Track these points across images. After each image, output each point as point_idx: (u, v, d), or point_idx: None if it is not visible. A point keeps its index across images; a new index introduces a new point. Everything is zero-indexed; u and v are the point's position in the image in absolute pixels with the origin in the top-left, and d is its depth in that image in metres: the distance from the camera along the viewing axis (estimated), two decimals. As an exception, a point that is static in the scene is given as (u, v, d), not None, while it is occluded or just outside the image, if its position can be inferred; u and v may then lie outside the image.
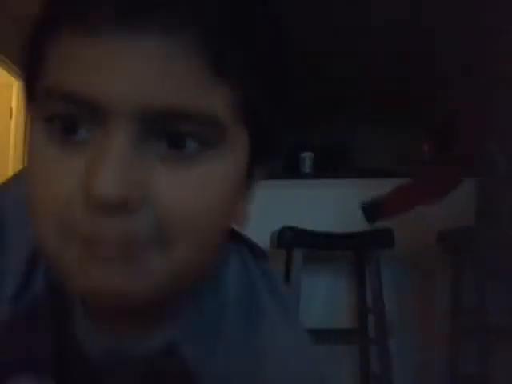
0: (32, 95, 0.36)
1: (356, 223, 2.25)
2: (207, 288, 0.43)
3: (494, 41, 3.37)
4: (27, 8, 3.44)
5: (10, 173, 3.71)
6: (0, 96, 3.78)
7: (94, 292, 0.34)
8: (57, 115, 0.33)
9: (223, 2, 0.33)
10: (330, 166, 4.42)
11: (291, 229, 2.12)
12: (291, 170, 4.40)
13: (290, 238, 2.11)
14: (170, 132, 0.32)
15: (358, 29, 3.74)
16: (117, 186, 0.30)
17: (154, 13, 0.30)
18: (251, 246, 0.49)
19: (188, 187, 0.33)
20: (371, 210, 2.01)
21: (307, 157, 2.71)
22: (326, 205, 2.45)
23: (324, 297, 2.43)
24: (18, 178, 0.49)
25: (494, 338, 2.04)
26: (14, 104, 3.81)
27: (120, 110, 0.31)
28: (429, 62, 4.15)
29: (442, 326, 2.19)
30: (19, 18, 3.57)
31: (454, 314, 2.15)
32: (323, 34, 3.81)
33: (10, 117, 3.80)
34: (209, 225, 0.35)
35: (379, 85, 4.76)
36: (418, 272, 2.40)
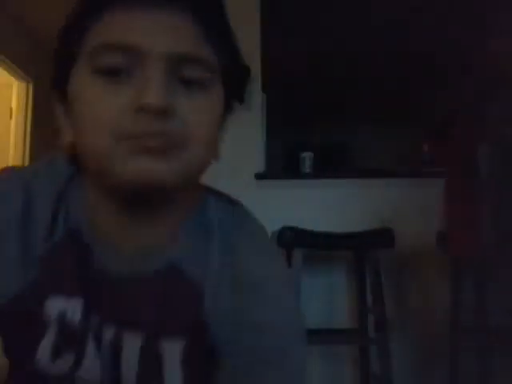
0: (72, 57, 0.53)
1: (356, 223, 2.25)
2: (195, 218, 0.60)
3: (493, 41, 3.37)
4: (27, 8, 3.44)
5: (10, 173, 3.71)
6: (0, 96, 3.79)
7: (138, 177, 0.49)
8: (107, 64, 0.50)
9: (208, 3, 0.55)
10: (330, 166, 4.42)
11: (291, 229, 2.13)
12: (291, 170, 4.40)
13: (290, 238, 2.11)
14: (183, 74, 0.51)
15: (358, 29, 3.74)
16: (162, 98, 0.48)
17: (172, 1, 0.52)
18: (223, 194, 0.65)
19: (199, 109, 0.52)
20: None
21: (307, 157, 2.71)
22: (326, 205, 2.45)
23: (324, 297, 2.43)
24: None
25: (494, 338, 2.03)
26: (13, 104, 3.81)
27: (157, 55, 0.49)
28: (429, 62, 4.15)
29: (442, 326, 2.19)
30: (19, 18, 3.57)
31: (453, 314, 2.15)
32: (323, 34, 3.80)
33: (10, 117, 3.80)
34: (208, 138, 0.53)
35: (379, 85, 4.76)
36: (418, 272, 2.40)
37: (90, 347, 0.56)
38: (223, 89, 0.56)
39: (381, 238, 2.08)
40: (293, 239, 2.12)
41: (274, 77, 2.83)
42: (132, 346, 0.56)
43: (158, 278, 0.57)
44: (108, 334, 0.56)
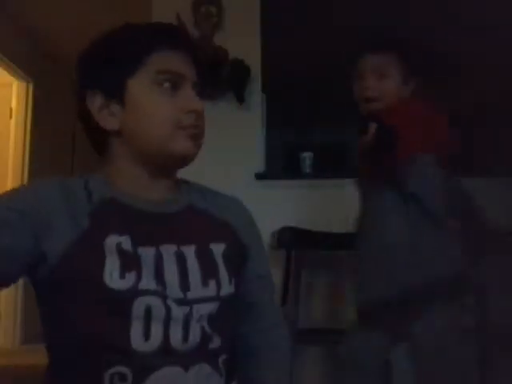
0: (131, 71, 0.82)
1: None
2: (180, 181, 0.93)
3: (493, 41, 3.38)
4: (27, 8, 3.43)
5: (10, 172, 3.71)
6: (0, 96, 3.79)
7: (188, 152, 0.84)
8: (164, 81, 0.82)
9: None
10: (330, 166, 4.41)
11: (291, 229, 2.13)
12: (291, 170, 4.39)
13: (290, 238, 2.11)
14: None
15: (357, 29, 3.74)
16: (201, 106, 0.85)
17: (182, 44, 0.87)
18: None
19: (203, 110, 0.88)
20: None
21: (307, 157, 2.71)
22: (326, 205, 2.44)
23: (324, 297, 2.43)
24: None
25: (493, 338, 2.04)
26: (13, 104, 3.81)
27: (191, 79, 0.85)
28: (429, 62, 4.16)
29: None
30: (19, 18, 3.57)
31: (454, 314, 2.15)
32: (323, 35, 3.81)
33: (10, 117, 3.80)
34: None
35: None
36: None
37: (146, 265, 0.76)
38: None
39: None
40: (293, 239, 2.12)
41: (273, 77, 2.83)
42: (190, 252, 0.81)
43: (183, 214, 0.86)
44: (171, 249, 0.80)
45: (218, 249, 0.84)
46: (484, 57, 3.89)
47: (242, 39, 2.55)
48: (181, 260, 0.79)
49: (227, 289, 0.82)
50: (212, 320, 0.79)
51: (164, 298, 0.75)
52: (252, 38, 2.59)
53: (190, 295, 0.78)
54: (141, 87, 0.82)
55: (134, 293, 0.74)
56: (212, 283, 0.80)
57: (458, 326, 1.45)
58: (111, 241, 0.76)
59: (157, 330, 0.74)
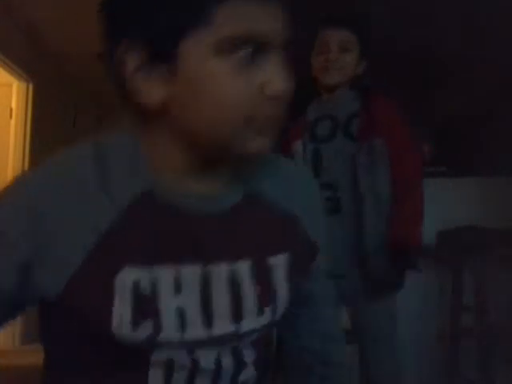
0: (185, 30, 0.54)
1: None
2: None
3: (494, 41, 3.37)
4: (28, 8, 3.42)
5: (10, 172, 3.71)
6: (0, 96, 3.79)
7: (259, 152, 0.58)
8: (236, 51, 0.53)
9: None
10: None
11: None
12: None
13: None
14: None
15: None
16: (287, 85, 0.56)
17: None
18: None
19: None
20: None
21: (307, 157, 2.70)
22: (326, 205, 2.44)
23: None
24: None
25: (493, 338, 2.04)
26: (13, 104, 3.80)
27: (278, 43, 0.56)
28: (428, 62, 4.16)
29: (442, 326, 2.19)
30: (19, 18, 3.57)
31: (453, 314, 2.15)
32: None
33: (10, 117, 3.79)
34: None
35: (379, 84, 4.76)
36: (418, 272, 2.40)
37: (189, 290, 0.58)
38: None
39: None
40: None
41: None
42: (245, 270, 0.61)
43: (238, 211, 0.63)
44: (222, 267, 0.60)
45: (278, 262, 0.64)
46: (484, 56, 3.89)
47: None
48: (234, 283, 0.60)
49: (282, 310, 0.64)
50: (251, 347, 0.64)
51: (192, 348, 0.58)
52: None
53: (244, 328, 0.60)
54: (202, 52, 0.54)
55: (152, 346, 0.57)
56: (268, 310, 0.62)
57: None
58: (126, 276, 0.56)
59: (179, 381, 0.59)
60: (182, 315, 0.57)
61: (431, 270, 2.38)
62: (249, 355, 0.63)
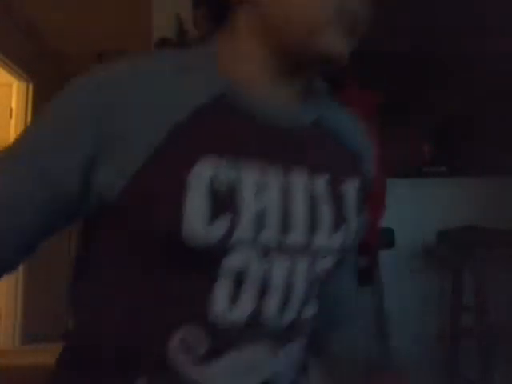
0: None
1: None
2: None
3: (493, 41, 3.37)
4: (28, 8, 3.43)
5: (10, 173, 3.71)
6: (0, 96, 3.79)
7: (341, 55, 0.57)
8: None
9: None
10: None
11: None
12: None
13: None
14: None
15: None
16: None
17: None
18: None
19: None
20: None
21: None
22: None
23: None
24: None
25: (493, 338, 2.04)
26: (13, 104, 3.80)
27: None
28: (428, 62, 4.16)
29: (442, 326, 2.19)
30: (20, 18, 3.57)
31: (453, 314, 2.15)
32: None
33: (10, 117, 3.79)
34: None
35: (379, 84, 4.76)
36: (418, 272, 2.40)
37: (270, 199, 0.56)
38: None
39: (381, 237, 2.08)
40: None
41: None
42: (322, 184, 0.59)
43: (313, 130, 0.62)
44: (301, 177, 0.58)
45: (350, 190, 0.62)
46: (484, 57, 3.89)
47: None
48: (311, 196, 0.58)
49: (350, 241, 0.62)
50: (314, 300, 0.61)
51: (267, 250, 0.55)
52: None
53: (317, 242, 0.58)
54: None
55: (225, 247, 0.53)
56: (339, 234, 0.60)
57: None
58: (203, 169, 0.52)
59: (247, 298, 0.54)
60: (261, 215, 0.54)
61: (431, 270, 2.38)
62: (312, 304, 0.61)
